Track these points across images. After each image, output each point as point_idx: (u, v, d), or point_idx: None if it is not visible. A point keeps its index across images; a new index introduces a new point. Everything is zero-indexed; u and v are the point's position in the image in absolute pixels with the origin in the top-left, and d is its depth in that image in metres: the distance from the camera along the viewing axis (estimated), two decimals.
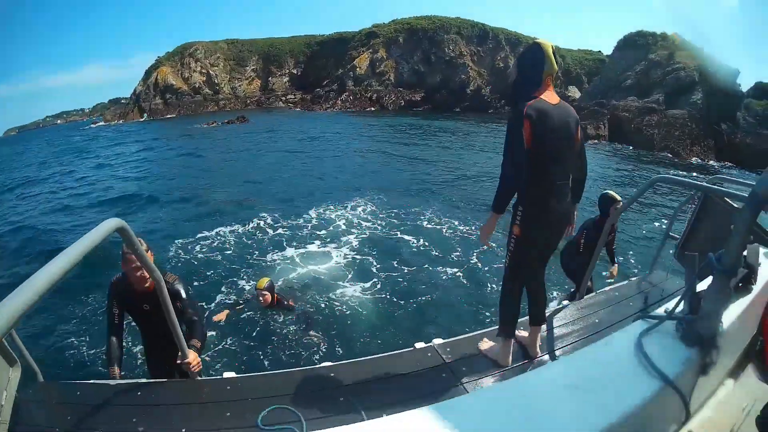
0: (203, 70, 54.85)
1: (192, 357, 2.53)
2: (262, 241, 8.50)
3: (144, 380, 2.70)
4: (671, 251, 3.69)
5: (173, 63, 55.22)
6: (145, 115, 53.15)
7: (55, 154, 29.40)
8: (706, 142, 24.00)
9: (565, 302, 3.53)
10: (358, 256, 7.33)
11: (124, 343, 3.13)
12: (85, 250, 1.18)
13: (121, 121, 54.01)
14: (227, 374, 2.64)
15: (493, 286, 5.92)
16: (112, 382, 2.54)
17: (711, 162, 22.62)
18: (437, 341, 2.89)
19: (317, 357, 4.39)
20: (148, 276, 2.54)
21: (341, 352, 4.54)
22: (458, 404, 1.23)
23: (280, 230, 9.16)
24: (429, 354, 2.74)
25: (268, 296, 4.78)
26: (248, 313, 5.26)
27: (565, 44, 59.84)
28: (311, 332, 4.78)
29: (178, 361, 2.55)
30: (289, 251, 7.95)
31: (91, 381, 2.67)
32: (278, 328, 4.91)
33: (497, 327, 2.64)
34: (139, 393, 2.45)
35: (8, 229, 10.57)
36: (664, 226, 4.24)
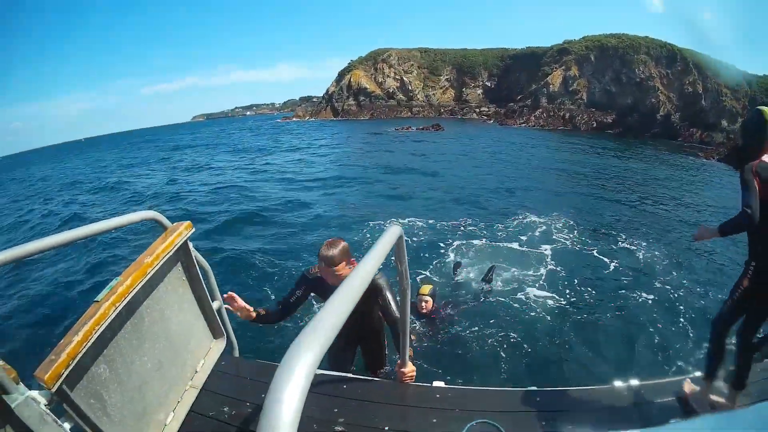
0: (397, 76, 61.33)
1: (410, 368, 2.58)
2: (454, 234, 9.19)
3: (351, 375, 2.78)
4: None
5: (366, 67, 62.62)
6: (339, 114, 60.49)
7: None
8: None
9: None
10: (549, 267, 7.39)
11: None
12: (382, 256, 1.15)
13: (312, 119, 62.04)
14: (436, 383, 2.69)
15: (692, 323, 5.66)
16: (317, 371, 3.49)
17: None
18: (635, 382, 2.80)
19: (519, 376, 4.42)
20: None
21: (527, 372, 4.57)
22: None
23: (473, 228, 9.75)
24: (625, 393, 2.68)
25: (430, 302, 4.84)
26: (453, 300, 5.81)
27: (751, 69, 55.82)
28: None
29: (395, 369, 2.64)
30: (481, 246, 8.47)
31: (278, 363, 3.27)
32: (467, 341, 4.99)
33: (701, 373, 2.73)
34: (344, 386, 2.54)
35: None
36: None
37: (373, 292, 2.74)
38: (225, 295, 2.69)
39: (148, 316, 2.04)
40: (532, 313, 5.85)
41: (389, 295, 2.77)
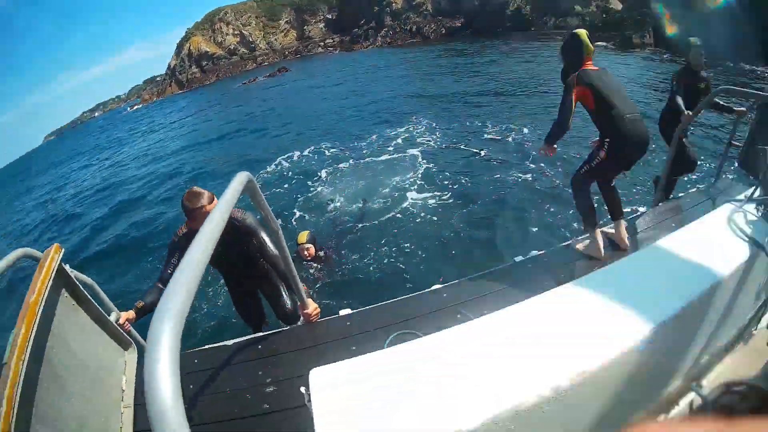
0: (236, 32, 58.12)
1: (312, 307, 2.58)
2: (323, 163, 9.16)
3: (261, 333, 2.79)
4: (735, 161, 3.94)
5: (204, 31, 58.66)
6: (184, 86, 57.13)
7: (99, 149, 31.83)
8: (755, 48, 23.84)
9: (641, 210, 3.85)
10: (421, 169, 7.58)
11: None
12: (229, 208, 1.11)
13: (159, 98, 58.22)
14: (343, 311, 2.73)
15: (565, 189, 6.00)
16: (228, 342, 2.62)
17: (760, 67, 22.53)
18: (534, 252, 3.21)
19: (426, 275, 4.58)
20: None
21: (432, 273, 4.65)
22: (555, 296, 1.30)
23: (337, 151, 9.91)
24: (530, 264, 3.03)
25: (312, 249, 4.82)
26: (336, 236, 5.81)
27: None
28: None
29: (298, 311, 2.68)
30: (349, 169, 8.46)
31: (207, 346, 2.72)
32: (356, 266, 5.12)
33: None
34: (259, 346, 2.52)
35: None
36: (725, 137, 4.31)
37: (246, 236, 2.65)
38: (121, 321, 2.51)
39: (57, 355, 1.96)
40: (418, 219, 5.96)
41: (263, 235, 2.65)
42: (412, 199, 6.50)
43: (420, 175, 7.34)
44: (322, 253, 5.04)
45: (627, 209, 5.35)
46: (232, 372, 2.40)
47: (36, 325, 1.77)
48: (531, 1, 48.56)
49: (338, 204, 6.93)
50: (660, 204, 3.82)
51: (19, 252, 2.07)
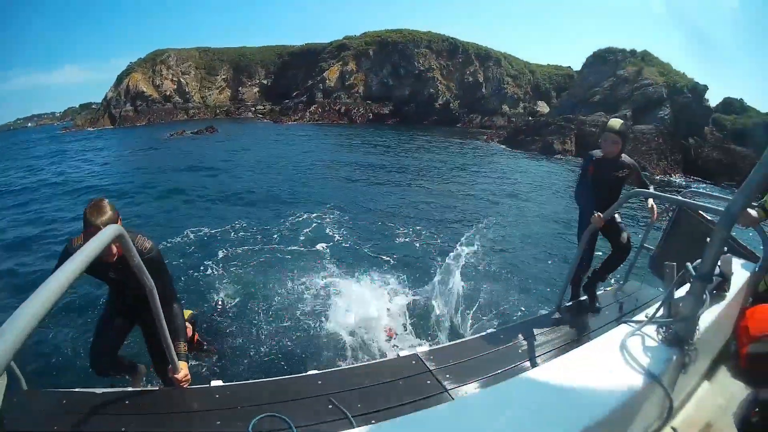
0: (174, 78, 58.46)
1: (183, 373, 2.55)
2: (225, 243, 8.96)
3: (130, 389, 2.81)
4: (646, 262, 4.15)
5: (145, 69, 58.61)
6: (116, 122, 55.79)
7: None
8: (674, 156, 25.80)
9: (544, 311, 4.00)
10: (325, 270, 7.44)
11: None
12: (89, 260, 1.13)
13: (90, 128, 56.47)
14: (215, 382, 2.72)
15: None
16: (98, 390, 2.60)
17: (678, 177, 24.06)
18: (420, 349, 3.11)
19: (300, 366, 4.49)
20: (116, 254, 2.42)
21: (313, 360, 4.73)
22: (442, 411, 1.31)
23: (246, 234, 9.69)
24: (413, 362, 2.93)
25: (189, 329, 4.64)
26: (218, 320, 5.75)
27: (534, 59, 61.92)
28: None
29: (170, 375, 2.59)
30: (252, 254, 8.35)
31: (77, 389, 2.69)
32: (253, 337, 5.26)
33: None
34: (126, 402, 2.50)
35: None
36: (638, 238, 4.41)
37: (151, 266, 2.32)
38: None
39: None
40: (307, 317, 5.82)
41: (165, 269, 2.66)
42: (307, 299, 6.38)
43: (318, 278, 7.09)
44: (200, 342, 4.84)
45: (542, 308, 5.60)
46: (97, 420, 2.36)
47: None
48: (460, 97, 51.38)
49: (229, 292, 6.69)
50: (565, 305, 3.85)
51: None
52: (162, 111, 56.25)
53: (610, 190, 3.53)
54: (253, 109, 57.04)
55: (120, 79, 57.43)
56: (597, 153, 3.61)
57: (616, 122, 3.57)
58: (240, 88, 60.10)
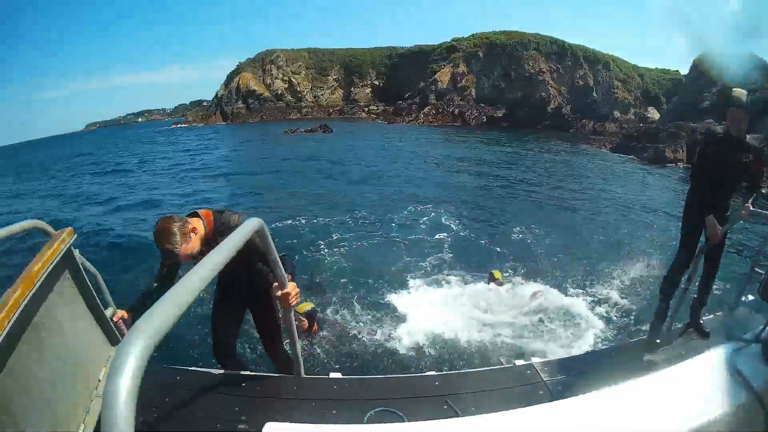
0: (285, 77, 60.63)
1: (291, 286, 2.32)
2: (347, 228, 9.23)
3: (249, 372, 2.82)
4: (757, 286, 3.51)
5: (254, 69, 61.12)
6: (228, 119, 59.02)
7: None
8: None
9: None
10: (445, 256, 7.55)
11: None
12: (235, 249, 1.19)
13: (202, 124, 59.62)
14: (333, 374, 2.76)
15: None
16: (214, 371, 2.69)
17: None
18: (536, 360, 3.05)
19: (418, 364, 4.55)
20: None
21: (430, 359, 4.73)
22: (544, 410, 1.38)
23: (363, 224, 9.90)
24: (528, 371, 2.92)
25: (305, 323, 4.73)
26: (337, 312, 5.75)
27: (642, 62, 59.37)
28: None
29: (277, 293, 2.35)
30: (371, 244, 8.43)
31: (193, 368, 2.80)
32: (370, 333, 5.25)
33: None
34: (243, 384, 2.58)
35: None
36: (748, 260, 4.05)
37: (255, 254, 2.46)
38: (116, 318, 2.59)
39: (44, 327, 1.98)
40: (426, 307, 5.78)
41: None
42: (425, 285, 6.43)
43: (441, 263, 7.31)
44: (322, 333, 4.96)
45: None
46: (211, 399, 2.45)
47: (31, 293, 1.80)
48: (571, 102, 50.08)
49: (348, 280, 6.76)
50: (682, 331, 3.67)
51: (32, 223, 2.12)
52: (274, 109, 58.36)
53: (730, 176, 3.02)
54: (366, 109, 58.31)
55: (230, 78, 60.35)
56: (718, 128, 3.16)
57: (740, 93, 2.96)
58: (352, 89, 61.39)
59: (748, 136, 2.99)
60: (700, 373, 1.58)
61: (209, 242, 2.41)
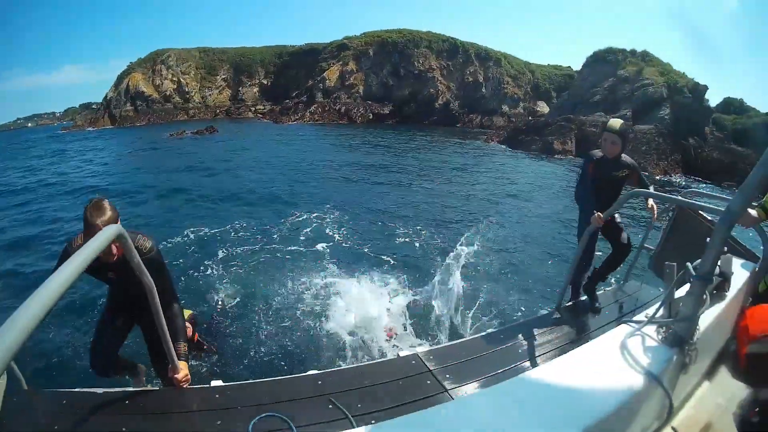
0: (174, 78, 58.76)
1: (183, 373, 2.56)
2: (225, 243, 9.00)
3: (131, 389, 2.82)
4: (647, 262, 4.17)
5: (145, 69, 58.95)
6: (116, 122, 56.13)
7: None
8: (674, 157, 25.90)
9: (545, 311, 3.99)
10: (325, 270, 7.48)
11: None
12: (89, 260, 1.15)
13: (91, 128, 56.83)
14: (215, 382, 2.74)
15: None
16: (99, 390, 2.62)
17: (678, 177, 24.17)
18: (420, 349, 3.13)
19: (300, 366, 4.52)
20: (116, 253, 2.40)
21: (313, 360, 4.76)
22: (443, 411, 1.31)
23: (246, 234, 9.74)
24: (413, 362, 2.94)
25: (190, 329, 4.69)
26: (218, 320, 5.76)
27: (534, 59, 61.95)
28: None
29: (170, 375, 2.60)
30: (252, 255, 8.37)
31: (77, 389, 2.73)
32: (251, 336, 5.30)
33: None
34: (127, 401, 2.52)
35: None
36: (639, 238, 4.43)
37: (151, 266, 2.35)
38: None
39: None
40: (307, 317, 5.84)
41: (166, 269, 2.67)
42: (307, 299, 6.41)
43: (319, 279, 7.14)
44: (200, 341, 4.87)
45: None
46: (98, 420, 2.39)
47: None
48: (460, 97, 51.48)
49: (229, 292, 6.73)
50: (565, 305, 3.87)
51: None
52: (162, 111, 56.54)
53: (610, 190, 3.60)
54: (253, 108, 57.09)
55: (120, 79, 57.77)
56: (597, 153, 3.67)
57: (616, 122, 3.61)
58: (240, 88, 60.38)
59: (623, 155, 3.61)
60: (595, 360, 1.52)
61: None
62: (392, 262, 8.00)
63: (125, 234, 1.66)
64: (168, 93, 57.41)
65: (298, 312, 6.01)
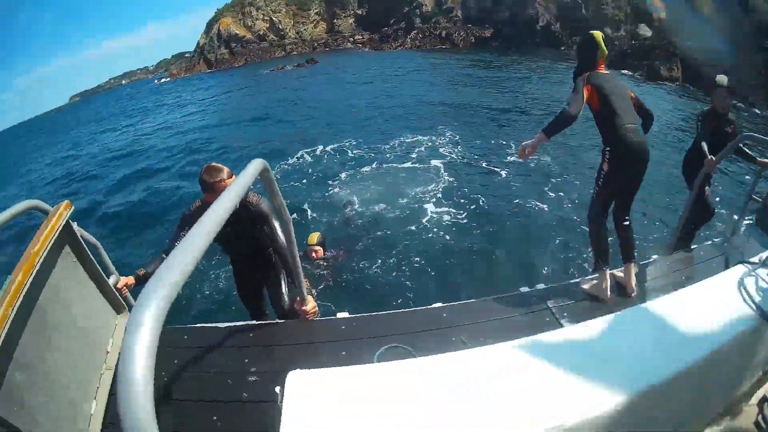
0: (266, 17, 59.06)
1: (312, 305, 2.64)
2: (344, 163, 9.19)
3: (253, 322, 2.88)
4: (752, 217, 3.83)
5: (234, 13, 59.62)
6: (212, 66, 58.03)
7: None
8: None
9: (654, 257, 3.82)
10: (442, 183, 7.58)
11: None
12: (242, 191, 1.20)
13: (188, 74, 59.40)
14: (341, 314, 2.80)
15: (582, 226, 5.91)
16: (221, 324, 2.70)
17: None
18: (540, 286, 3.19)
19: (427, 292, 4.61)
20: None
21: (436, 291, 4.70)
22: (552, 337, 1.36)
23: (361, 153, 9.95)
24: (534, 297, 2.98)
25: (320, 251, 5.00)
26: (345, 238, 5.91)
27: None
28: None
29: (295, 307, 2.70)
30: (370, 173, 8.45)
31: (199, 324, 2.83)
32: (370, 271, 5.26)
33: (594, 275, 3.20)
34: (250, 334, 2.60)
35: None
36: (746, 188, 4.20)
37: (258, 221, 2.72)
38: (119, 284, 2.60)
39: (50, 307, 2.01)
40: (431, 234, 5.98)
41: (275, 223, 2.69)
42: (429, 213, 6.59)
43: (440, 189, 7.41)
44: (329, 256, 5.15)
45: (643, 252, 5.09)
46: (220, 354, 2.49)
47: (33, 275, 1.84)
48: (560, 19, 49.46)
49: (354, 208, 6.98)
50: (674, 253, 3.82)
51: (28, 203, 2.16)
52: (258, 50, 57.31)
53: (720, 144, 3.74)
54: (352, 39, 56.48)
55: (210, 26, 59.22)
56: (706, 110, 4.07)
57: (723, 78, 3.96)
58: (335, 20, 59.89)
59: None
60: (710, 297, 1.55)
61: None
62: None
63: (269, 168, 1.70)
64: (262, 32, 57.93)
65: (424, 224, 6.20)
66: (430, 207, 6.77)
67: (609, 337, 1.34)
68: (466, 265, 5.34)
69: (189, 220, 2.68)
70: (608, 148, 2.91)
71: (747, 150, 4.02)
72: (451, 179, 7.89)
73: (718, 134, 3.92)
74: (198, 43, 60.04)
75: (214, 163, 2.61)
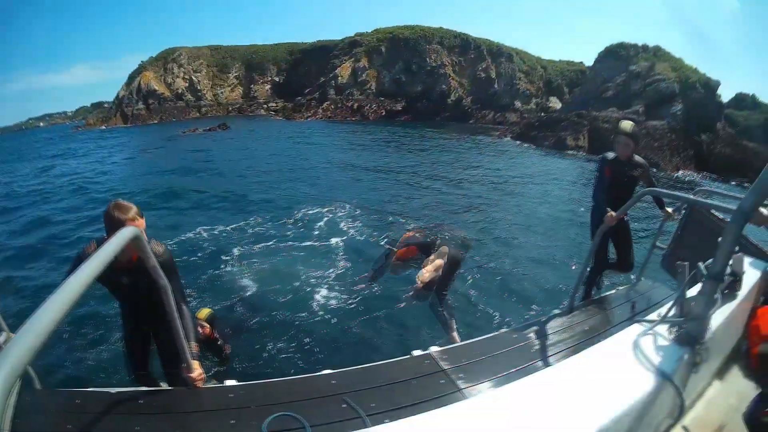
0: (186, 76, 59.75)
1: (198, 372, 2.57)
2: (241, 240, 9.20)
3: (144, 388, 2.84)
4: (659, 261, 4.30)
5: (156, 68, 59.94)
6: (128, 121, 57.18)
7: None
8: (686, 152, 26.34)
9: (556, 311, 3.97)
10: (337, 265, 7.73)
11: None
12: (107, 260, 1.18)
13: (103, 126, 57.78)
14: (229, 382, 2.77)
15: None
16: (112, 389, 2.64)
17: (690, 173, 24.63)
18: (434, 348, 3.16)
19: (315, 365, 4.56)
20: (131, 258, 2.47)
21: (327, 359, 4.84)
22: (457, 409, 1.33)
23: (261, 230, 9.95)
24: (426, 361, 2.99)
25: (207, 328, 4.82)
26: (233, 317, 5.90)
27: (547, 55, 62.32)
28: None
29: (183, 375, 2.59)
30: (267, 251, 8.54)
31: (90, 389, 2.77)
32: (266, 336, 5.41)
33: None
34: (140, 401, 2.55)
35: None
36: (650, 237, 4.57)
37: (166, 272, 2.41)
38: None
39: None
40: (318, 318, 6.06)
41: (178, 275, 2.72)
42: (320, 296, 6.62)
43: (333, 274, 7.41)
44: (218, 338, 4.95)
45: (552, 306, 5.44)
46: (111, 420, 2.43)
47: None
48: (472, 93, 52.03)
49: (245, 289, 6.93)
50: (578, 305, 3.89)
51: None
52: (174, 109, 57.61)
53: (624, 189, 3.85)
54: (266, 106, 58.14)
55: (132, 78, 58.81)
56: (610, 155, 3.99)
57: (627, 124, 3.93)
58: (252, 86, 61.47)
59: (635, 156, 4.00)
60: (607, 359, 1.57)
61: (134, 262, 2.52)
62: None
63: (142, 235, 1.70)
64: (180, 91, 58.37)
65: (313, 308, 6.26)
66: (322, 292, 6.81)
67: (506, 410, 1.32)
68: (352, 343, 5.43)
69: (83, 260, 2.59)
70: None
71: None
72: (347, 262, 7.93)
73: (622, 179, 3.93)
74: (117, 95, 59.17)
75: (120, 200, 2.51)
